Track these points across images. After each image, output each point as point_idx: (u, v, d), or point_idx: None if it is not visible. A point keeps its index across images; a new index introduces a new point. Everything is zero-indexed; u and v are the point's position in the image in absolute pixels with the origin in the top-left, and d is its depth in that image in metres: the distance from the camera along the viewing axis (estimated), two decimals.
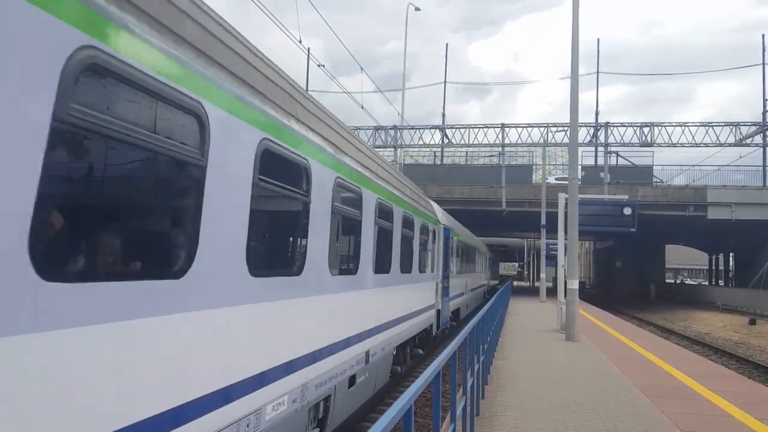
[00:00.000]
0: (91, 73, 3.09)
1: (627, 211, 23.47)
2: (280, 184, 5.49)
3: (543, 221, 36.71)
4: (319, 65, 30.64)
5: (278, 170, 5.37)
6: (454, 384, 6.58)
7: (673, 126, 43.88)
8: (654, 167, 45.31)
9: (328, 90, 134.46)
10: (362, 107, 35.87)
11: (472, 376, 7.75)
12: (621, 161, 45.28)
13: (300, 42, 25.35)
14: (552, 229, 29.03)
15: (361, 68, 36.91)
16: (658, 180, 44.46)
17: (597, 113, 50.11)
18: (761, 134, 43.89)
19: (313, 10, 22.78)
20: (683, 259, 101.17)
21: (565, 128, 40.70)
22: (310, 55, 41.52)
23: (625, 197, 27.94)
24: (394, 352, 10.89)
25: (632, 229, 23.62)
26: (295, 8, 24.32)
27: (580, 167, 39.14)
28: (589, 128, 45.13)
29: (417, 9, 51.68)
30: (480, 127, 46.68)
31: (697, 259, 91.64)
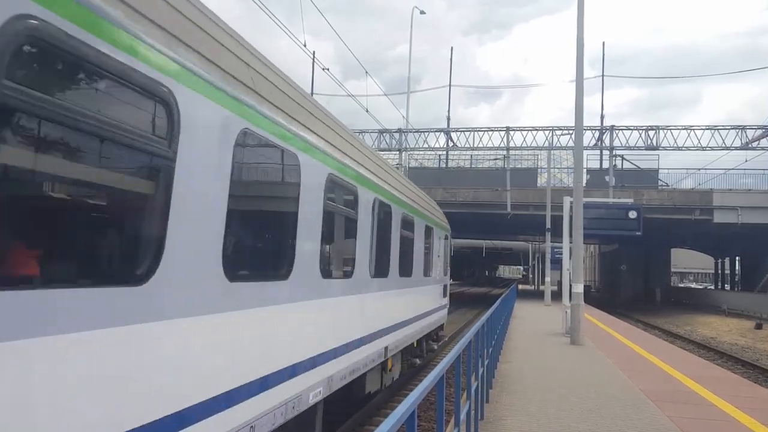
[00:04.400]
0: None
1: (632, 214, 23.34)
2: None
3: (548, 224, 36.62)
4: (324, 69, 30.62)
5: None
6: (458, 388, 6.56)
7: (678, 129, 43.71)
8: (660, 170, 45.22)
9: (336, 94, 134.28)
10: (367, 111, 35.80)
11: (476, 380, 7.73)
12: (626, 164, 45.17)
13: (305, 46, 25.39)
14: (557, 233, 28.95)
15: (366, 72, 36.88)
16: (663, 183, 44.33)
17: (602, 116, 49.99)
18: None
19: (325, 16, 22.79)
20: (689, 262, 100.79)
21: (571, 131, 40.62)
22: (316, 59, 41.57)
23: (630, 201, 27.86)
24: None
25: (637, 233, 23.49)
26: (301, 13, 24.33)
27: (585, 170, 39.22)
28: (594, 131, 45.03)
29: (422, 12, 51.68)
30: (485, 131, 46.62)
31: (703, 262, 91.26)
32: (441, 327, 17.63)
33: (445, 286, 17.44)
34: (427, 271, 13.66)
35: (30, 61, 2.78)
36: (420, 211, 12.63)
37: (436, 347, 17.05)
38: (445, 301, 17.83)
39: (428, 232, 13.63)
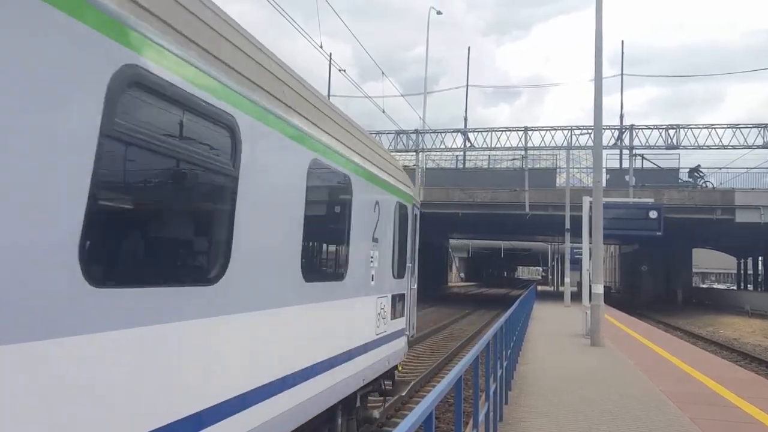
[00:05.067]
0: None
1: (652, 214, 23.09)
2: None
3: (567, 225, 36.38)
4: (340, 70, 30.77)
5: None
6: (477, 389, 6.54)
7: (699, 128, 43.22)
8: (680, 170, 44.74)
9: (353, 95, 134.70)
10: (383, 111, 35.86)
11: (495, 381, 7.69)
12: (646, 164, 44.75)
13: (321, 47, 25.48)
14: (576, 233, 28.76)
15: (383, 72, 36.99)
16: (684, 183, 43.83)
17: (621, 116, 49.60)
18: None
19: (342, 16, 22.87)
20: (711, 263, 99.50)
21: (590, 131, 40.31)
22: (332, 61, 41.76)
23: (650, 200, 27.55)
24: None
25: (658, 233, 23.23)
26: (317, 14, 24.47)
27: (604, 170, 38.83)
28: (613, 131, 44.67)
29: (439, 12, 51.71)
30: (503, 131, 46.42)
31: (726, 262, 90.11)
32: (391, 373, 9.98)
33: (398, 298, 9.73)
34: (347, 272, 7.10)
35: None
36: (328, 147, 6.38)
37: (377, 415, 9.35)
38: (400, 324, 9.99)
39: (355, 189, 7.28)
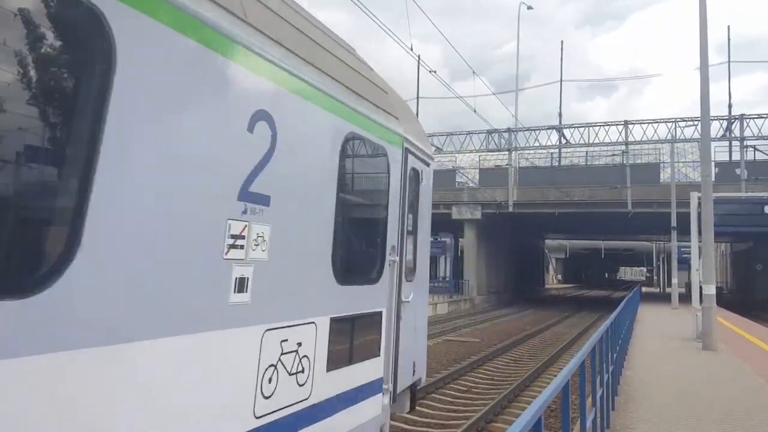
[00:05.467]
0: None
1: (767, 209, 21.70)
2: None
3: (673, 223, 34.72)
4: (430, 71, 30.75)
5: None
6: (583, 394, 6.31)
7: None
8: None
9: (445, 96, 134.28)
10: (474, 111, 35.55)
11: (601, 386, 7.41)
12: (759, 155, 41.92)
13: (411, 49, 25.55)
14: (684, 231, 27.35)
15: (473, 72, 36.70)
16: None
17: (730, 105, 46.78)
18: None
19: (432, 19, 22.91)
20: None
21: (696, 122, 38.24)
22: (422, 62, 41.85)
23: (764, 194, 25.86)
24: None
25: None
26: (407, 17, 24.62)
27: (713, 164, 36.73)
28: (721, 121, 42.15)
29: (529, 8, 50.76)
30: (600, 125, 44.79)
31: None
32: None
33: (355, 323, 4.98)
34: (73, 263, 2.43)
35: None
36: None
37: None
38: (361, 375, 5.02)
39: (123, 44, 2.62)
